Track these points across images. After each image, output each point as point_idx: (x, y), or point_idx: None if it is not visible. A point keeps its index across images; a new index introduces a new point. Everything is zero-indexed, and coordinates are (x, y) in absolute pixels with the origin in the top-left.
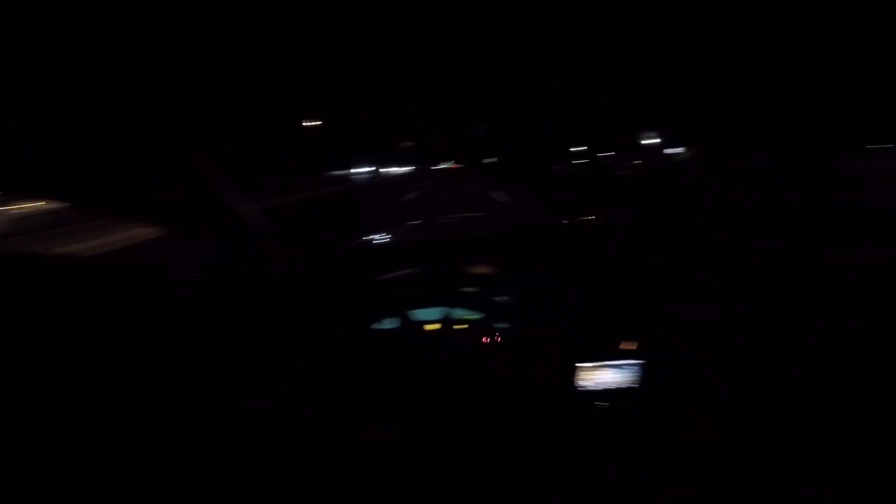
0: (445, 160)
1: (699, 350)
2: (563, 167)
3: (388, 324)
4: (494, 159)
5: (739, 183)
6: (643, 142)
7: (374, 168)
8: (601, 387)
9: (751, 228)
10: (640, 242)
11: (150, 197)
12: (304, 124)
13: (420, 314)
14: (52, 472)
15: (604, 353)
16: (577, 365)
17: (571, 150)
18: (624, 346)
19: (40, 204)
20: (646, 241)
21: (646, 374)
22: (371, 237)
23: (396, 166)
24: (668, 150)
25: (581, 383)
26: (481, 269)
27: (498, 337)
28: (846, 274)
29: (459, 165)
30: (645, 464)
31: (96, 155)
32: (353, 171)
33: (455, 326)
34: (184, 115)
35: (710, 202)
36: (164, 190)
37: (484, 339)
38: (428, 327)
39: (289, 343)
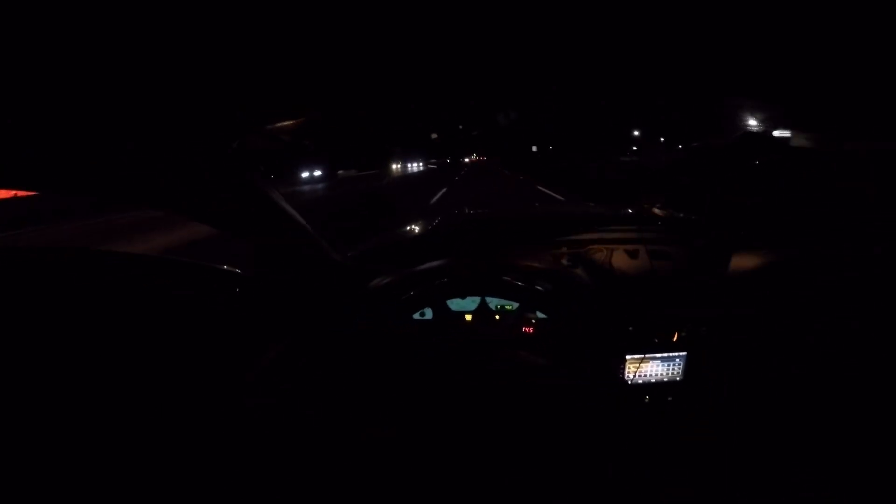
0: (472, 153)
1: (699, 350)
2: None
3: (427, 314)
4: (535, 149)
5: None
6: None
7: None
8: (648, 380)
9: (750, 228)
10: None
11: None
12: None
13: (457, 304)
14: (52, 469)
15: (650, 345)
16: (627, 357)
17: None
18: (671, 337)
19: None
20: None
21: (689, 366)
22: (407, 227)
23: (426, 160)
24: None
25: (628, 376)
26: (519, 259)
27: (532, 328)
28: (846, 274)
29: (483, 157)
30: (645, 464)
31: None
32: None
33: (493, 316)
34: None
35: (711, 202)
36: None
37: (525, 328)
38: (466, 317)
39: (295, 339)
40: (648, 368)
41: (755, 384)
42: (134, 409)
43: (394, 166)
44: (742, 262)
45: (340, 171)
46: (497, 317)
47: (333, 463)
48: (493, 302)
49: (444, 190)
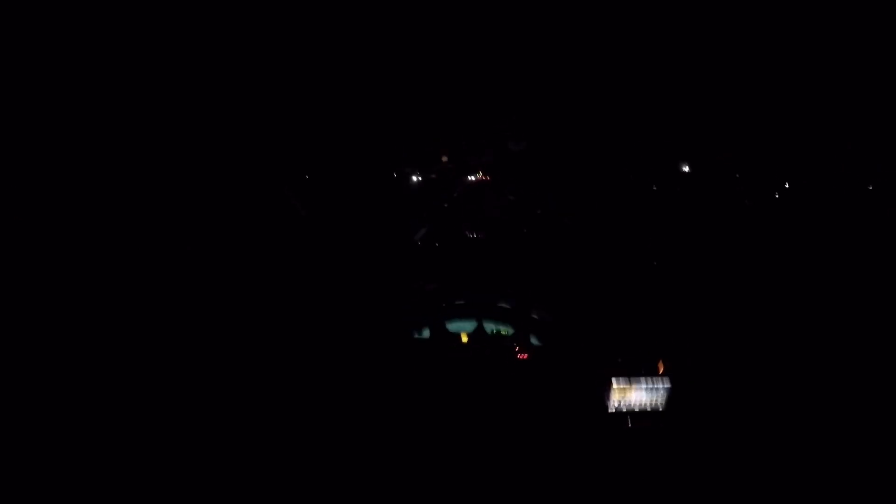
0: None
1: (683, 380)
2: None
3: (426, 334)
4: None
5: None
6: None
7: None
8: (632, 407)
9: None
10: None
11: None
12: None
13: (455, 326)
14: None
15: (636, 374)
16: (613, 385)
17: None
18: (657, 367)
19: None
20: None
21: (671, 395)
22: (411, 240)
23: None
24: None
25: (614, 403)
26: (515, 284)
27: (526, 354)
28: (845, 274)
29: (486, 178)
30: (645, 464)
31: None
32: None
33: (488, 339)
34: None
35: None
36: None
37: (518, 352)
38: (463, 339)
39: (293, 343)
40: (633, 396)
41: (755, 384)
42: (133, 404)
43: None
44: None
45: None
46: (492, 340)
47: (333, 463)
48: (490, 326)
49: None
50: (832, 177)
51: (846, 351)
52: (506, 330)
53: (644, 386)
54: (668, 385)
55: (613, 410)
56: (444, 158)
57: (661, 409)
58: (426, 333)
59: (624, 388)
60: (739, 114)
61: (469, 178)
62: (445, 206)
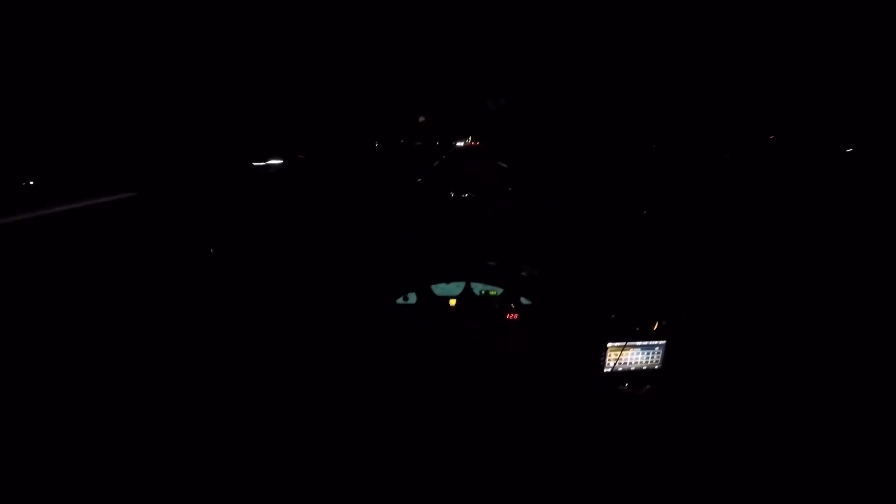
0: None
1: (680, 338)
2: None
3: (411, 299)
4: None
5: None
6: None
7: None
8: (627, 367)
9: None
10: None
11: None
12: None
13: (442, 289)
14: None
15: (631, 333)
16: (608, 344)
17: None
18: (653, 326)
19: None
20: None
21: (668, 354)
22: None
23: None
24: None
25: (608, 363)
26: (503, 245)
27: (516, 314)
28: (844, 272)
29: (476, 143)
30: (645, 462)
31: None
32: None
33: (477, 302)
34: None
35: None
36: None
37: (509, 314)
38: (451, 302)
39: (291, 336)
40: (629, 356)
41: (737, 373)
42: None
43: None
44: (727, 252)
45: None
46: (481, 302)
47: (333, 463)
48: (478, 287)
49: None
50: (832, 176)
51: (848, 309)
52: (495, 291)
53: (640, 344)
54: (664, 342)
55: (609, 370)
56: (422, 119)
57: (658, 368)
58: (412, 299)
59: (619, 348)
60: (740, 113)
61: (458, 143)
62: (432, 169)
